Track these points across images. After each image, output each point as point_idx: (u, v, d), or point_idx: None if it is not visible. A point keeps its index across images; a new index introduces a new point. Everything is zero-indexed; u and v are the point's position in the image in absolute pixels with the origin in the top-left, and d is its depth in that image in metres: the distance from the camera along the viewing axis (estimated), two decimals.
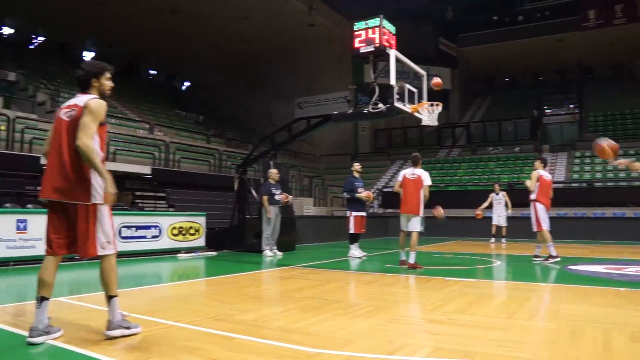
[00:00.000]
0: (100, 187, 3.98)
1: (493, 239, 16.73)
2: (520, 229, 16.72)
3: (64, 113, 4.07)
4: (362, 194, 11.33)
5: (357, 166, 11.93)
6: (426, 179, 9.37)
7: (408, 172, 9.56)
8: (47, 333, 3.90)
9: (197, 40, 30.05)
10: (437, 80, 10.27)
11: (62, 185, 3.92)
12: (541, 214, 10.20)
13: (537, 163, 10.64)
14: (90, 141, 3.88)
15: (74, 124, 3.95)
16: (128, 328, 4.04)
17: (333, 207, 24.91)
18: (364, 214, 11.62)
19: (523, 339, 4.04)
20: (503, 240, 16.68)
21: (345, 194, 11.74)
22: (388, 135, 33.48)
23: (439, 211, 9.70)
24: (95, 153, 3.88)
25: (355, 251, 11.45)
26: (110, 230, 4.07)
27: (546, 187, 10.43)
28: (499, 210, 16.60)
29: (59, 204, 3.97)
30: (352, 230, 11.44)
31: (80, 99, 4.06)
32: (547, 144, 30.13)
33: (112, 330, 3.96)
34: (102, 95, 4.20)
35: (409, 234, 9.35)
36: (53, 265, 4.04)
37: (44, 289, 3.94)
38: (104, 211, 4.04)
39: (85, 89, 4.17)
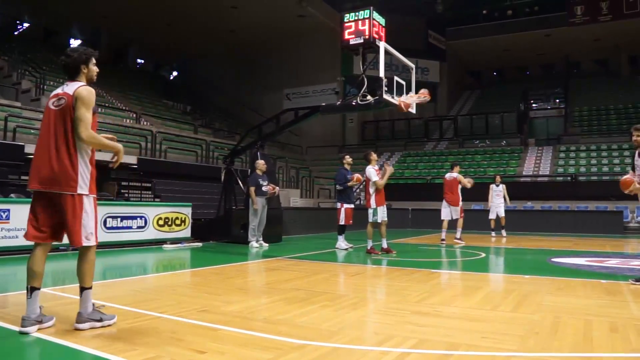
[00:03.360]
0: (87, 177, 3.97)
1: (493, 233, 16.59)
2: (510, 221, 16.93)
3: (52, 103, 4.03)
4: (353, 177, 11.47)
5: (348, 158, 12.15)
6: (371, 176, 10.51)
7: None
8: (40, 322, 3.89)
9: (186, 29, 29.87)
10: (408, 101, 10.12)
11: (48, 175, 3.88)
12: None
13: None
14: (91, 131, 3.91)
15: (63, 113, 3.93)
16: (99, 320, 4.00)
17: (320, 199, 24.93)
18: (352, 206, 11.72)
19: (507, 331, 4.07)
20: (503, 232, 16.53)
21: (337, 185, 11.81)
22: (375, 127, 33.50)
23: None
24: (99, 138, 3.98)
25: (342, 243, 11.49)
26: (94, 222, 4.02)
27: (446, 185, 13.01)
28: (498, 201, 16.46)
29: (45, 194, 3.93)
30: (342, 222, 11.50)
31: (70, 87, 4.00)
32: (533, 137, 30.34)
33: (82, 324, 3.93)
34: (90, 82, 4.17)
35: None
36: (41, 255, 4.01)
37: (34, 279, 3.91)
38: (90, 202, 4.01)
39: (73, 76, 4.11)
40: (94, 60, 4.21)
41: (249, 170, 13.08)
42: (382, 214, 10.48)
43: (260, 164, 12.18)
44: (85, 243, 3.96)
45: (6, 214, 9.14)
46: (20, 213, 9.26)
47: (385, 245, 10.58)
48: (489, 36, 34.46)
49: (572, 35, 32.42)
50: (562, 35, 32.63)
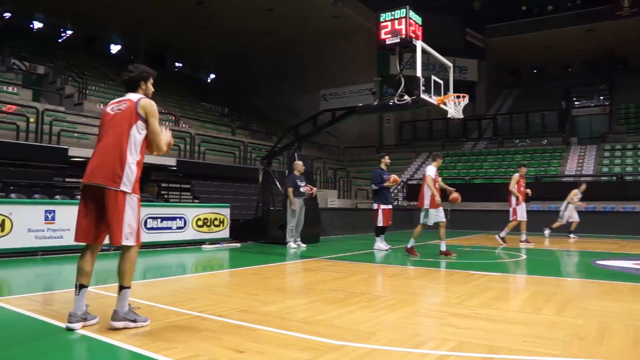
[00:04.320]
0: (132, 177, 4.07)
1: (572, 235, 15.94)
2: (541, 222, 16.53)
3: (111, 108, 4.24)
4: (389, 178, 11.34)
5: (387, 159, 11.98)
6: (428, 172, 10.10)
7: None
8: (85, 320, 4.02)
9: (222, 32, 30.14)
10: (454, 195, 10.51)
11: (95, 169, 4.02)
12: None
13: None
14: (163, 141, 4.27)
15: (124, 115, 4.12)
16: (134, 321, 4.04)
17: (357, 200, 24.86)
18: (390, 206, 11.64)
19: (549, 335, 3.97)
20: (572, 235, 15.89)
21: (373, 185, 11.74)
22: (413, 127, 33.21)
23: (454, 195, 10.50)
24: (165, 141, 4.30)
25: (380, 244, 11.43)
26: (136, 222, 4.08)
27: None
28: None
29: (92, 193, 4.03)
30: (380, 223, 11.43)
31: (131, 95, 4.25)
32: (576, 136, 29.66)
33: (117, 322, 3.97)
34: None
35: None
36: (91, 254, 4.16)
37: (83, 277, 4.06)
38: (132, 201, 4.07)
39: (132, 91, 4.32)
40: (152, 80, 4.44)
41: (287, 171, 13.13)
42: (435, 217, 10.03)
43: (298, 164, 12.21)
44: (124, 242, 4.01)
45: (52, 214, 9.39)
46: (65, 214, 9.51)
47: (443, 248, 10.08)
48: (528, 33, 33.81)
49: (617, 29, 31.49)
50: (607, 29, 31.74)
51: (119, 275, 4.08)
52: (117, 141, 4.05)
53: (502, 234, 12.97)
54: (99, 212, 4.05)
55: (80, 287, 4.03)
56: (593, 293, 6.04)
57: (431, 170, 10.09)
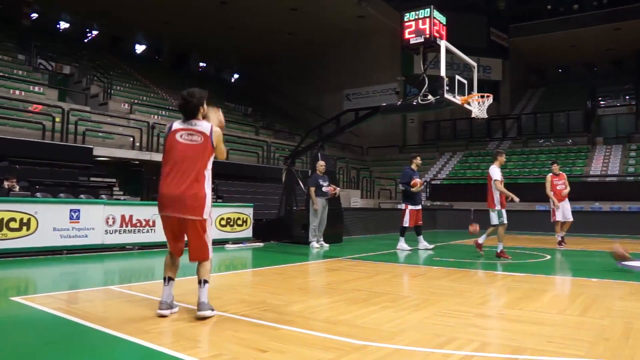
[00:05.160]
0: (210, 202, 4.56)
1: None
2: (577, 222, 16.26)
3: (181, 136, 4.54)
4: (415, 182, 11.32)
5: (418, 160, 12.02)
6: (493, 174, 9.82)
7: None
8: (171, 307, 4.50)
9: (246, 32, 30.31)
10: (473, 227, 10.80)
11: (181, 203, 4.40)
12: None
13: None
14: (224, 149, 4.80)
15: (200, 149, 4.51)
16: (212, 310, 4.46)
17: (380, 200, 24.83)
18: (419, 207, 11.62)
19: (575, 336, 3.94)
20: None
21: (400, 185, 11.75)
22: (437, 127, 33.07)
23: (473, 227, 10.69)
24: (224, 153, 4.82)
25: (404, 244, 11.40)
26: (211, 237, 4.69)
27: None
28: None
29: (175, 217, 4.48)
30: (406, 224, 11.45)
31: (201, 127, 4.55)
32: (601, 136, 29.26)
33: (205, 311, 4.36)
34: (204, 119, 4.68)
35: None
36: (174, 256, 4.70)
37: (170, 271, 4.62)
38: (211, 224, 4.63)
39: (194, 115, 4.59)
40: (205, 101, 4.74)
41: (310, 171, 13.15)
42: (505, 216, 9.94)
43: (321, 164, 12.22)
44: (209, 257, 4.64)
45: (77, 213, 9.51)
46: (89, 213, 9.65)
47: (500, 248, 9.85)
48: (553, 32, 33.41)
49: None
50: (633, 28, 31.21)
51: (203, 275, 4.55)
52: (199, 174, 4.47)
53: (557, 237, 12.48)
54: (180, 232, 4.62)
55: (168, 279, 4.57)
56: (618, 294, 5.96)
57: (496, 172, 9.85)
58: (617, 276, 7.53)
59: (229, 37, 31.35)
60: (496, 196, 9.84)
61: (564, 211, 12.24)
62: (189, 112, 4.58)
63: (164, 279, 4.58)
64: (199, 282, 4.47)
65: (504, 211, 9.89)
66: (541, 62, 39.29)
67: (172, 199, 4.39)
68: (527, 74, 39.78)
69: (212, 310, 4.45)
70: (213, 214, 5.01)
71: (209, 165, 4.57)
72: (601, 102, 34.23)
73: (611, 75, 36.66)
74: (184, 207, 4.38)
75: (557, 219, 12.29)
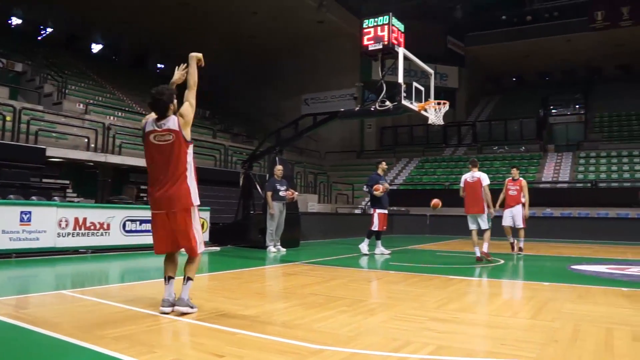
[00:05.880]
0: (196, 190, 4.78)
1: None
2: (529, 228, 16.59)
3: (157, 138, 4.67)
4: (378, 188, 11.46)
5: (384, 165, 12.38)
6: (484, 179, 10.24)
7: (468, 176, 10.49)
8: (173, 305, 4.64)
9: (205, 34, 30.02)
10: (435, 201, 10.92)
11: (168, 200, 4.67)
12: None
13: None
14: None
15: (174, 147, 4.66)
16: (192, 307, 4.67)
17: (337, 204, 24.91)
18: (386, 211, 11.75)
19: (527, 338, 4.03)
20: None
21: (365, 187, 12.01)
22: (394, 133, 33.43)
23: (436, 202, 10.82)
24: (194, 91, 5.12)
25: (365, 246, 11.47)
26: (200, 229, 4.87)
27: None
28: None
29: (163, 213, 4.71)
30: (375, 227, 11.59)
31: (169, 123, 4.67)
32: (553, 143, 30.07)
33: (183, 307, 4.61)
34: (173, 114, 4.81)
35: (479, 232, 10.29)
36: (172, 255, 4.97)
37: (169, 270, 4.87)
38: (197, 216, 4.82)
39: (164, 114, 4.72)
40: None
41: (267, 175, 13.12)
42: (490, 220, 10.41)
43: (278, 169, 12.21)
44: (199, 251, 4.84)
45: (27, 216, 9.25)
46: (41, 215, 9.40)
47: (485, 249, 10.26)
48: (508, 42, 34.22)
49: (593, 40, 32.08)
50: (583, 40, 32.28)
51: (189, 272, 4.81)
52: (175, 169, 4.67)
53: (509, 239, 12.50)
54: (169, 228, 4.83)
55: (169, 278, 4.79)
56: (568, 297, 6.13)
57: (486, 178, 10.36)
58: (567, 280, 7.74)
59: (188, 39, 30.91)
60: (487, 200, 10.18)
61: (513, 217, 12.21)
62: (160, 110, 4.71)
63: (165, 278, 4.80)
64: (183, 279, 4.73)
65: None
66: (497, 70, 40.11)
67: (160, 198, 4.66)
68: (483, 82, 40.58)
69: (192, 307, 4.64)
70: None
71: (189, 158, 4.75)
72: (553, 111, 35.18)
73: (563, 84, 37.73)
74: (171, 203, 4.64)
75: (503, 224, 12.28)
